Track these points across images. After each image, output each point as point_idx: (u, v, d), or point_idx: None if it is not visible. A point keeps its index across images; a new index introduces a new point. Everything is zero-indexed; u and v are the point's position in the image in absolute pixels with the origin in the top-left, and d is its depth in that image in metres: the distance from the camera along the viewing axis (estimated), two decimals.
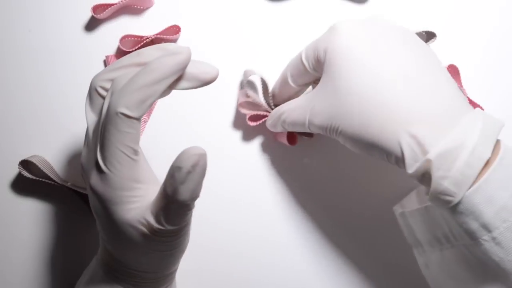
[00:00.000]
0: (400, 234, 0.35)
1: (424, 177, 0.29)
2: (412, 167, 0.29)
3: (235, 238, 0.39)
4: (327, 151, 0.40)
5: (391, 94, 0.30)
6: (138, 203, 0.29)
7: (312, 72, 0.34)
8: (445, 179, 0.28)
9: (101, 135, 0.28)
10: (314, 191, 0.40)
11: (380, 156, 0.30)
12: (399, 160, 0.29)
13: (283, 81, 0.36)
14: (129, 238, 0.29)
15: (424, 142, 0.28)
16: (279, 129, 0.37)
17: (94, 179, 0.29)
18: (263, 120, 0.38)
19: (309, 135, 0.39)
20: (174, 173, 0.27)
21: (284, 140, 0.38)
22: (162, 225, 0.28)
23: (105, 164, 0.28)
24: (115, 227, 0.29)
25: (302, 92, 0.37)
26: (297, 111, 0.34)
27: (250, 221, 0.39)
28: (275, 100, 0.38)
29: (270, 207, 0.40)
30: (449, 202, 0.28)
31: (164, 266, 0.31)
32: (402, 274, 0.39)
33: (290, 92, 0.37)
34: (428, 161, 0.28)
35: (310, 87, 0.38)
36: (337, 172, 0.40)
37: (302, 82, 0.36)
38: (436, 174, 0.28)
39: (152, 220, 0.28)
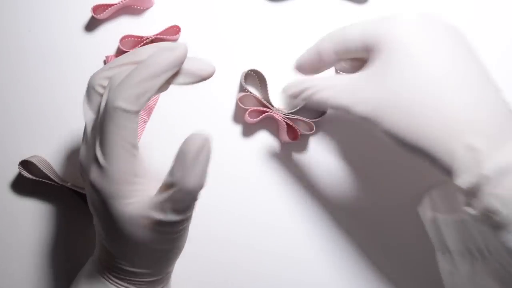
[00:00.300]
0: (415, 231, 0.35)
1: (472, 190, 0.28)
2: (462, 178, 0.28)
3: (234, 234, 0.39)
4: (329, 146, 0.40)
5: (449, 100, 0.28)
6: (138, 197, 0.29)
7: (355, 52, 0.33)
8: (496, 197, 0.26)
9: (100, 130, 0.28)
10: (315, 186, 0.40)
11: (423, 158, 0.29)
12: (447, 169, 0.28)
13: (317, 52, 0.34)
14: (129, 233, 0.29)
15: (480, 155, 0.27)
16: (297, 101, 0.35)
17: (94, 174, 0.29)
18: (263, 116, 0.38)
19: (310, 129, 0.39)
20: (180, 159, 0.27)
21: (285, 137, 0.38)
22: (167, 215, 0.28)
23: (104, 159, 0.28)
24: (114, 222, 0.29)
25: (328, 68, 0.35)
26: (332, 91, 0.32)
27: (250, 217, 0.39)
28: (300, 71, 0.35)
29: (272, 204, 0.40)
30: (495, 221, 0.27)
31: (161, 265, 0.31)
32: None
33: (320, 65, 0.34)
34: (482, 175, 0.27)
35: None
36: (339, 167, 0.40)
37: (344, 56, 0.34)
38: (487, 191, 0.27)
39: (155, 213, 0.28)
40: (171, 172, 0.27)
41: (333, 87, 0.32)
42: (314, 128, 0.38)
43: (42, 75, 0.40)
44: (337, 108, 0.32)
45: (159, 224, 0.28)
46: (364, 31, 0.32)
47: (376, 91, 0.30)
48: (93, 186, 0.29)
